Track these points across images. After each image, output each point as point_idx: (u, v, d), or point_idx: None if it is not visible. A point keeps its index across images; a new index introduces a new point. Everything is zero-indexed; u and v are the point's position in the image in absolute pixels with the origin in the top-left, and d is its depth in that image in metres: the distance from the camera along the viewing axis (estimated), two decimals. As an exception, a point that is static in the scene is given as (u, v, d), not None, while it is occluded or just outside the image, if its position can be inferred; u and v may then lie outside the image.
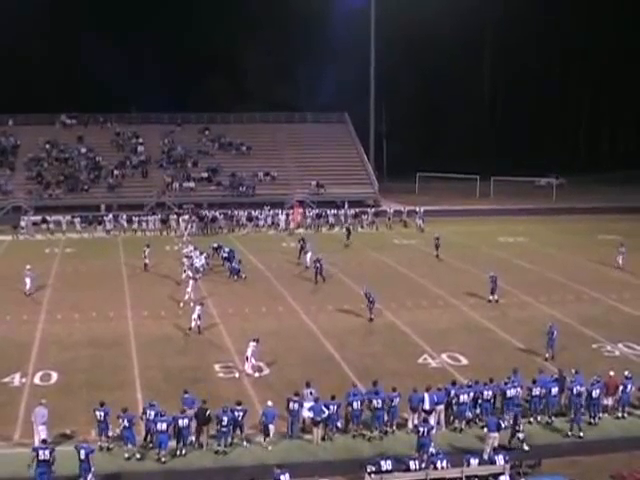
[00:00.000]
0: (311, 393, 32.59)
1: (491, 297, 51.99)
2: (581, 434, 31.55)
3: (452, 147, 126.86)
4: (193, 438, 30.45)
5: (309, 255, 61.80)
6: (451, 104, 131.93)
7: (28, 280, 53.69)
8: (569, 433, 31.68)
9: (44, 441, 28.73)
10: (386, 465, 27.43)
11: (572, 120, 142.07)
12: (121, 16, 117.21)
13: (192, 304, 48.15)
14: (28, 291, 53.52)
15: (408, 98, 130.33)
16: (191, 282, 51.76)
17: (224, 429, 30.14)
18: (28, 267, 54.45)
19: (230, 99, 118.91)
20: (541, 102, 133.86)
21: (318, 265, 57.81)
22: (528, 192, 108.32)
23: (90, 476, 27.48)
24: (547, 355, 40.77)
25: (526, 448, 30.44)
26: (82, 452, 27.77)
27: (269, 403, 31.80)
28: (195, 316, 45.07)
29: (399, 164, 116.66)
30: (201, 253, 61.07)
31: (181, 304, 50.23)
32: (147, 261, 61.59)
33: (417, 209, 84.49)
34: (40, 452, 27.57)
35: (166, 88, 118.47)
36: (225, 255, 61.73)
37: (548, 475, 27.77)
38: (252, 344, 38.73)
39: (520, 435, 30.69)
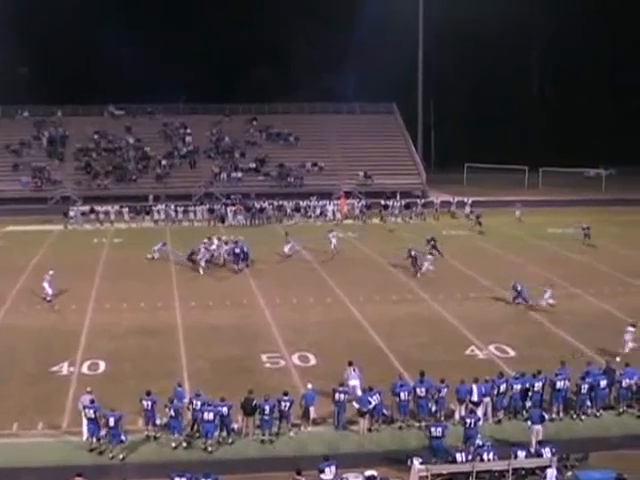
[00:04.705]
0: (354, 370, 32.70)
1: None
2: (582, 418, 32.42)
3: (500, 138, 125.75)
4: (235, 426, 30.55)
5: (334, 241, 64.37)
6: (499, 95, 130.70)
7: (46, 285, 49.50)
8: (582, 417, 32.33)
9: (92, 401, 29.66)
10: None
11: (621, 110, 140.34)
12: (170, 6, 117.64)
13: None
14: (48, 296, 49.36)
15: (456, 89, 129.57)
16: None
17: (266, 417, 30.27)
18: (51, 272, 50.64)
19: (277, 89, 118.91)
20: (590, 92, 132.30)
21: (413, 255, 57.56)
22: (577, 183, 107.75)
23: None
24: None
25: None
26: (111, 419, 28.59)
27: (309, 386, 32.19)
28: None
29: (447, 155, 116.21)
30: (226, 243, 61.41)
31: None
32: (149, 255, 61.61)
33: (466, 200, 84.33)
34: (87, 411, 29.24)
35: (214, 79, 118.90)
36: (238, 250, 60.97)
37: (599, 469, 27.40)
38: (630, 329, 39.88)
39: None
